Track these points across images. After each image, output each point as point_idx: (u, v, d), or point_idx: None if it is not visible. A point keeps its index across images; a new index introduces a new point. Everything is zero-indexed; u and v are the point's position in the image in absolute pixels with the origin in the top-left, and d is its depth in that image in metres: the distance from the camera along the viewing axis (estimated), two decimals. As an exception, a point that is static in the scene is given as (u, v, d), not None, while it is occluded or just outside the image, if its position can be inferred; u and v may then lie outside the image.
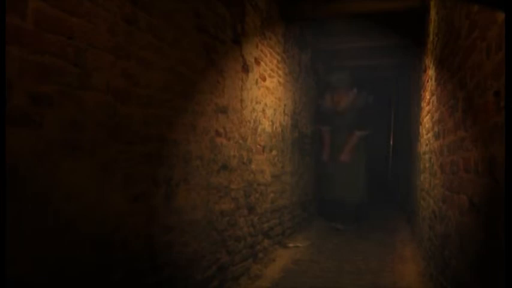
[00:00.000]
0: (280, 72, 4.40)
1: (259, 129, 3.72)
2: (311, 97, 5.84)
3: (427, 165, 3.70)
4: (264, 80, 3.87)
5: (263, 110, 3.84)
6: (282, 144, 4.47)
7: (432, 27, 3.62)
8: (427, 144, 3.74)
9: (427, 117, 3.75)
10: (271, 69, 4.11)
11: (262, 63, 3.79)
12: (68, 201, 1.54)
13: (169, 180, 2.25)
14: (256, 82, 3.65)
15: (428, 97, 3.75)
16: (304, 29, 5.32)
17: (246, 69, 3.39)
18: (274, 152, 4.19)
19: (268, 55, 4.00)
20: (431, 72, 3.61)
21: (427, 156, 3.72)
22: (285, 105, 4.58)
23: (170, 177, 2.25)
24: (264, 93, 3.87)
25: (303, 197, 5.45)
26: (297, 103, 5.10)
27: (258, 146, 3.69)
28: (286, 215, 4.69)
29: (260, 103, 3.75)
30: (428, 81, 3.81)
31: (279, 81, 4.36)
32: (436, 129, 3.16)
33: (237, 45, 3.20)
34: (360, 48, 6.03)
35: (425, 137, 3.91)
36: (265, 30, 3.88)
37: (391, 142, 8.99)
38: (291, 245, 4.52)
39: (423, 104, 4.18)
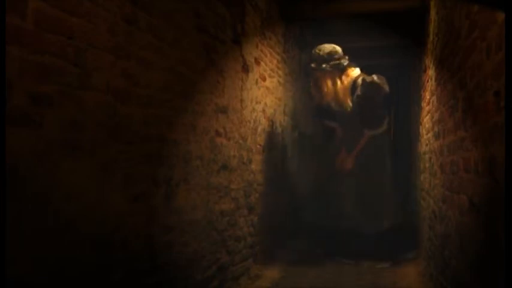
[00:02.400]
0: (280, 72, 4.40)
1: (259, 129, 3.71)
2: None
3: (427, 165, 3.70)
4: (264, 80, 3.87)
5: (263, 110, 3.84)
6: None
7: (432, 27, 3.62)
8: (427, 144, 3.73)
9: (427, 117, 3.75)
10: (271, 69, 4.11)
11: (262, 63, 3.79)
12: (68, 201, 1.54)
13: (169, 180, 2.25)
14: (256, 82, 3.65)
15: (428, 97, 3.75)
16: (304, 29, 5.32)
17: (246, 69, 3.39)
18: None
19: (268, 55, 3.99)
20: (431, 72, 3.61)
21: (427, 156, 3.71)
22: (285, 105, 4.58)
23: (170, 177, 2.25)
24: (264, 93, 3.87)
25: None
26: (297, 103, 5.10)
27: (258, 146, 3.69)
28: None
29: (260, 103, 3.75)
30: (428, 81, 3.81)
31: (279, 81, 4.36)
32: (436, 129, 3.15)
33: (237, 45, 3.20)
34: (360, 48, 6.01)
35: (425, 137, 3.91)
36: (265, 30, 3.88)
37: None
38: (291, 245, 4.51)
39: (423, 104, 4.18)
